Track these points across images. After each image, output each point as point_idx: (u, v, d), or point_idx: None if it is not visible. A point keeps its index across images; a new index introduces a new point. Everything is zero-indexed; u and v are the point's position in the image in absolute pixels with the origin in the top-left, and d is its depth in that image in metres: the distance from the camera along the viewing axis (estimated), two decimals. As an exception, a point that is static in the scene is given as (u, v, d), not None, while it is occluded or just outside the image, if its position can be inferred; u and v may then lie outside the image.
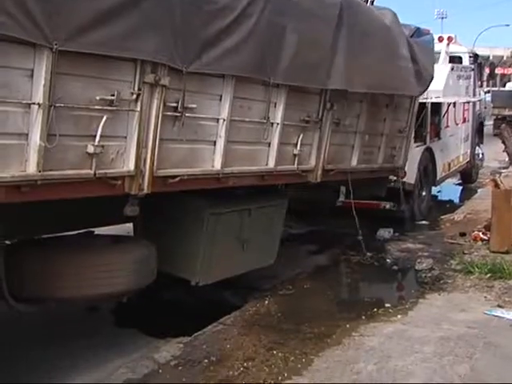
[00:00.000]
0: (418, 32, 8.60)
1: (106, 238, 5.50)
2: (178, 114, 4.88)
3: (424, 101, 10.07)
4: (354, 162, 7.74)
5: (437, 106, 11.35)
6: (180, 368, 5.02)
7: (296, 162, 6.48)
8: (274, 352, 5.29)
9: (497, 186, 8.89)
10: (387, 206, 10.03)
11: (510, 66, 46.40)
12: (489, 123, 20.45)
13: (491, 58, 31.69)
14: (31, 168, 3.85)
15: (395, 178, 9.50)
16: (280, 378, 4.83)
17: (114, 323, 6.24)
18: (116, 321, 6.30)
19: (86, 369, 5.03)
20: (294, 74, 5.86)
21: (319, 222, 10.20)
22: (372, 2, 8.90)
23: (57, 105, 3.88)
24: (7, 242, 4.91)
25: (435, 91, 9.95)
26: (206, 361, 5.13)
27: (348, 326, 5.86)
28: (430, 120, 11.12)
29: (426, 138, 11.02)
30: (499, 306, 6.26)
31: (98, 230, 5.73)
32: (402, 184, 9.78)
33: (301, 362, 5.09)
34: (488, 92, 20.46)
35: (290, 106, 6.14)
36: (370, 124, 7.78)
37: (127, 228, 6.33)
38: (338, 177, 7.57)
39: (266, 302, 6.58)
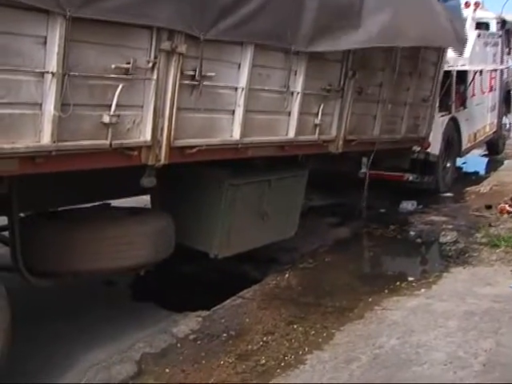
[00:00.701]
0: (444, -3, 8.45)
1: (123, 210, 5.48)
2: (196, 83, 4.83)
3: (449, 69, 9.92)
4: (377, 132, 7.65)
5: (462, 74, 11.17)
6: (198, 342, 5.04)
7: (317, 132, 6.42)
8: (294, 326, 5.30)
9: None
10: (410, 178, 9.95)
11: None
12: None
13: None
14: (45, 139, 3.83)
15: (419, 148, 9.40)
16: (300, 352, 4.84)
17: (132, 297, 6.26)
18: (133, 294, 6.31)
19: (104, 342, 5.06)
20: (316, 41, 5.76)
21: (340, 194, 10.16)
22: None
23: (71, 73, 3.84)
24: (22, 215, 4.91)
25: (461, 59, 9.78)
26: (225, 335, 5.15)
27: (370, 299, 5.85)
28: (455, 89, 10.95)
29: (450, 108, 10.86)
30: (526, 280, 6.19)
31: (115, 203, 5.73)
32: (426, 155, 9.69)
33: (321, 337, 5.09)
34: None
35: (311, 74, 6.05)
36: (393, 93, 7.67)
37: (144, 200, 6.33)
38: (359, 147, 7.50)
39: (286, 275, 6.58)
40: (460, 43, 8.15)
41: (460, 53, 8.43)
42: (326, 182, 9.54)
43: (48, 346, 4.92)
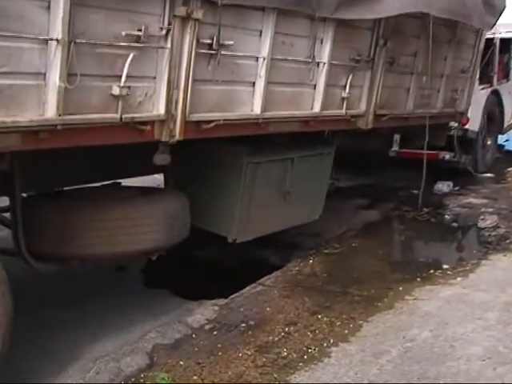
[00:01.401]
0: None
1: (135, 190, 5.48)
2: (213, 52, 4.79)
3: (492, 36, 9.78)
4: (410, 107, 7.59)
5: (506, 43, 11.03)
6: (215, 333, 5.05)
7: (344, 107, 6.38)
8: (319, 316, 5.31)
9: None
10: (447, 157, 9.88)
11: None
12: None
13: None
14: (50, 112, 3.80)
15: (456, 124, 9.31)
16: (325, 344, 4.85)
17: (143, 283, 6.29)
18: (145, 281, 6.35)
19: (113, 332, 5.09)
20: (343, 7, 5.69)
21: (370, 175, 10.11)
22: None
23: (77, 41, 3.80)
24: (24, 195, 4.91)
25: (505, 25, 9.64)
26: (244, 325, 5.17)
27: (401, 288, 5.85)
28: (497, 59, 10.80)
29: (492, 80, 10.75)
30: None
31: (126, 182, 5.73)
32: (464, 131, 9.61)
33: (348, 328, 5.10)
34: None
35: (339, 43, 6.00)
36: (428, 63, 7.57)
37: (157, 180, 6.35)
38: (391, 123, 7.46)
39: (310, 261, 6.60)
40: (492, 12, 7.97)
41: (489, 26, 8.27)
42: (354, 160, 9.52)
43: (51, 335, 4.95)
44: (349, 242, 7.26)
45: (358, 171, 10.20)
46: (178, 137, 4.72)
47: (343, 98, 6.34)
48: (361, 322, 5.17)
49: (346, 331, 5.03)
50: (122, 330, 5.15)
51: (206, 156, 5.82)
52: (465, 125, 9.47)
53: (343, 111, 6.39)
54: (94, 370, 4.47)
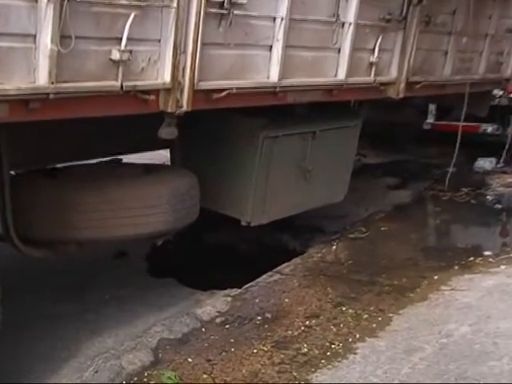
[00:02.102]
0: None
1: (137, 168, 5.48)
2: (225, 12, 4.75)
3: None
4: (448, 73, 7.55)
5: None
6: (227, 326, 5.08)
7: (373, 73, 6.37)
8: (343, 308, 5.35)
9: None
10: (489, 130, 9.81)
11: None
12: None
13: None
14: (41, 79, 3.77)
15: (501, 92, 9.24)
16: (350, 339, 4.87)
17: (147, 272, 6.32)
18: (149, 269, 6.38)
19: (114, 326, 5.12)
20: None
21: (401, 150, 10.08)
22: None
23: (71, -2, 3.79)
24: (13, 173, 4.90)
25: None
26: (260, 318, 5.19)
27: (436, 277, 5.87)
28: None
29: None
30: None
31: (127, 159, 5.74)
32: (510, 101, 9.51)
33: (376, 321, 5.12)
34: None
35: (366, 1, 5.94)
36: (469, 22, 7.51)
37: (163, 156, 6.38)
38: (425, 91, 7.42)
39: (334, 247, 6.64)
40: None
41: None
42: (384, 134, 9.48)
43: (43, 330, 4.97)
44: (377, 225, 7.29)
45: (387, 146, 10.17)
46: (185, 107, 4.69)
47: (371, 64, 6.32)
48: (391, 314, 5.19)
49: (374, 325, 5.04)
50: (123, 323, 5.17)
51: (218, 129, 5.82)
52: (511, 93, 9.39)
53: (371, 78, 6.37)
54: (92, 368, 4.48)
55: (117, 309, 5.36)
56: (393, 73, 6.70)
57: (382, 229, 7.21)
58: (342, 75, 5.98)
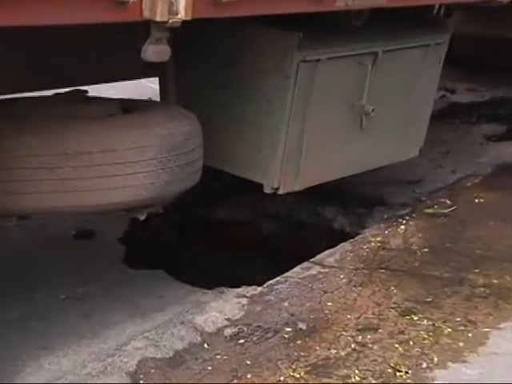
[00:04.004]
0: None
1: (110, 104, 5.43)
2: None
3: None
4: None
5: None
6: (241, 342, 4.96)
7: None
8: (415, 318, 5.23)
9: None
10: None
11: None
12: None
13: None
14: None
15: None
16: (424, 364, 4.71)
17: (123, 259, 6.34)
18: (126, 255, 6.39)
19: (72, 340, 5.10)
20: None
21: (507, 83, 9.96)
22: None
23: None
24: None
25: None
26: (289, 330, 5.07)
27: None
28: None
29: None
30: None
31: (96, 92, 5.72)
32: None
33: (464, 339, 4.96)
34: None
35: None
36: None
37: (149, 91, 6.34)
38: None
39: (402, 227, 6.61)
40: None
41: None
42: (482, 58, 9.62)
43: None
44: (468, 195, 7.25)
45: (486, 77, 10.24)
46: (182, 15, 4.58)
47: None
48: (487, 329, 5.05)
49: (461, 344, 4.89)
50: (86, 335, 5.14)
51: (230, 50, 5.82)
52: None
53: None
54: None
55: (78, 313, 5.33)
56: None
57: (476, 201, 7.14)
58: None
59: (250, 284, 5.67)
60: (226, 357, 4.78)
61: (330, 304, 5.38)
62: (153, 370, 4.63)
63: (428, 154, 6.98)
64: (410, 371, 4.63)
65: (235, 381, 4.56)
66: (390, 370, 4.65)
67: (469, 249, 6.25)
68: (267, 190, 5.99)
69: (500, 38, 8.78)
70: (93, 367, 4.63)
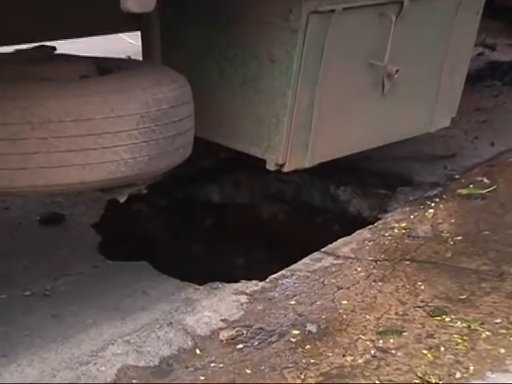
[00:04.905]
0: None
1: (84, 63, 5.41)
2: None
3: None
4: None
5: None
6: (240, 346, 4.93)
7: None
8: (446, 319, 5.18)
9: None
10: None
11: None
12: None
13: None
14: None
15: None
16: (458, 374, 4.64)
17: (99, 249, 6.32)
18: (102, 244, 6.39)
19: (40, 345, 5.00)
20: None
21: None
22: None
23: None
24: None
25: None
26: (297, 333, 5.03)
27: None
28: None
29: None
30: None
31: (68, 49, 5.67)
32: None
33: (505, 343, 4.92)
34: None
35: None
36: None
37: (130, 47, 6.27)
38: None
39: (431, 211, 6.63)
40: None
41: None
42: None
43: None
44: (510, 173, 7.29)
45: None
46: None
47: None
48: None
49: (502, 350, 4.84)
50: (55, 339, 5.07)
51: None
52: None
53: None
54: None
55: (44, 314, 5.26)
56: None
57: (520, 180, 7.19)
58: None
59: (249, 278, 5.66)
60: (221, 365, 4.75)
61: (345, 302, 5.36)
62: (135, 381, 4.60)
63: (462, 124, 6.91)
64: (440, 382, 4.59)
65: (232, 395, 4.58)
66: (417, 381, 4.61)
67: (510, 237, 6.23)
68: (271, 166, 6.02)
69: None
70: (63, 377, 4.61)
